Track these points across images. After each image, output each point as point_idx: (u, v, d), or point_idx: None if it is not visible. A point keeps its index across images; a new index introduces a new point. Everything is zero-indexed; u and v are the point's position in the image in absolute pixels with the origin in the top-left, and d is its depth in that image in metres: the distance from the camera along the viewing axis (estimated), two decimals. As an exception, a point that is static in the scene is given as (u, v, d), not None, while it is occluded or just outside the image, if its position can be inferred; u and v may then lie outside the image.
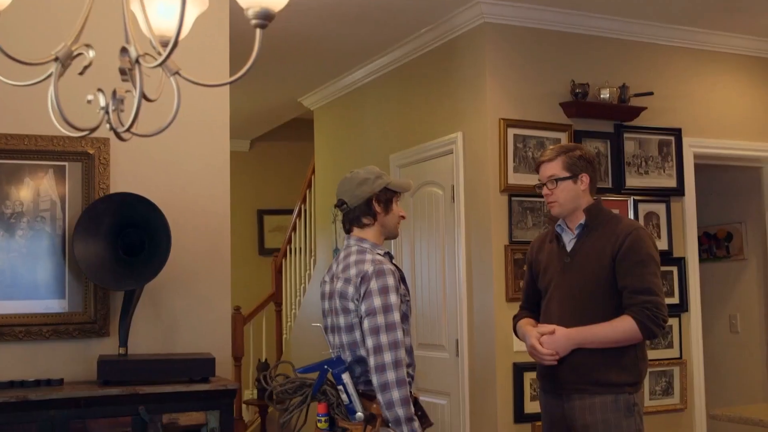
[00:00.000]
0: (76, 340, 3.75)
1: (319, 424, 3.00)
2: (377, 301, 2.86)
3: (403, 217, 3.16)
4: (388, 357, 2.82)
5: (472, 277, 4.73)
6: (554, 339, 3.17)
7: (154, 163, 3.95)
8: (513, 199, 4.60)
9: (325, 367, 2.96)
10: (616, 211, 4.74)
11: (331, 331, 3.07)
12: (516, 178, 4.60)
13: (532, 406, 4.42)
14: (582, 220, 3.30)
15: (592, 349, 3.16)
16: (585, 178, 3.29)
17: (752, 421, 3.39)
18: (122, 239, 3.67)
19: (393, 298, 2.88)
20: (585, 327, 3.15)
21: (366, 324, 2.87)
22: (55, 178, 3.76)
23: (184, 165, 4.01)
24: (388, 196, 3.07)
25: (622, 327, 3.11)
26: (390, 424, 2.83)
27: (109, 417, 3.36)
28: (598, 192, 4.71)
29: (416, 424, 2.83)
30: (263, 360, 7.50)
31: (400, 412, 2.80)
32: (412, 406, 2.84)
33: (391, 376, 2.81)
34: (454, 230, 4.88)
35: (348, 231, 3.12)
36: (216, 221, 4.06)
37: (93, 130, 1.93)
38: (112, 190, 3.81)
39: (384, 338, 2.84)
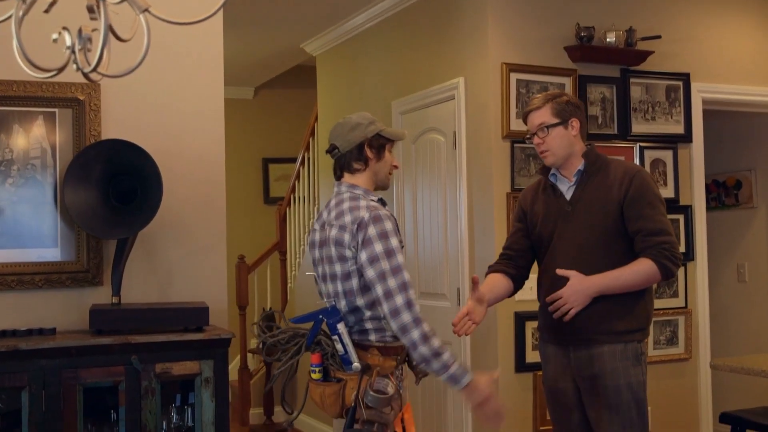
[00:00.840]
0: (69, 289, 3.70)
1: (313, 375, 2.96)
2: (379, 247, 2.78)
3: (395, 167, 3.08)
4: (399, 300, 2.75)
5: (473, 225, 4.66)
6: (576, 292, 3.09)
7: (147, 109, 3.87)
8: (515, 145, 4.50)
9: (320, 316, 2.91)
10: (621, 158, 4.68)
11: (323, 280, 3.01)
12: (518, 124, 4.47)
13: (533, 356, 4.37)
14: (580, 166, 3.23)
15: (602, 297, 3.12)
16: (575, 123, 3.22)
17: (754, 372, 3.33)
18: (114, 187, 3.60)
19: (394, 242, 2.81)
20: (605, 274, 3.10)
21: (371, 272, 2.78)
22: (45, 124, 3.68)
23: (177, 110, 3.92)
24: (380, 142, 2.98)
25: (643, 269, 3.08)
26: (418, 365, 2.82)
27: (102, 366, 3.33)
28: (603, 138, 4.68)
29: (446, 355, 2.74)
30: (268, 309, 7.49)
31: (424, 349, 2.73)
32: (435, 340, 2.75)
33: (406, 317, 2.74)
34: (455, 178, 4.79)
35: (339, 177, 3.05)
36: (211, 168, 3.98)
37: (60, 70, 1.85)
38: (104, 137, 3.73)
39: (392, 282, 2.76)
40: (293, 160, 7.82)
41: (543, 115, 3.22)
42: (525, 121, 3.33)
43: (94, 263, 3.73)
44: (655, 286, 4.74)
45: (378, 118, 5.49)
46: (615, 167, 3.23)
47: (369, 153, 2.97)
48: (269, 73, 8.11)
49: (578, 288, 3.09)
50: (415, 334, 2.72)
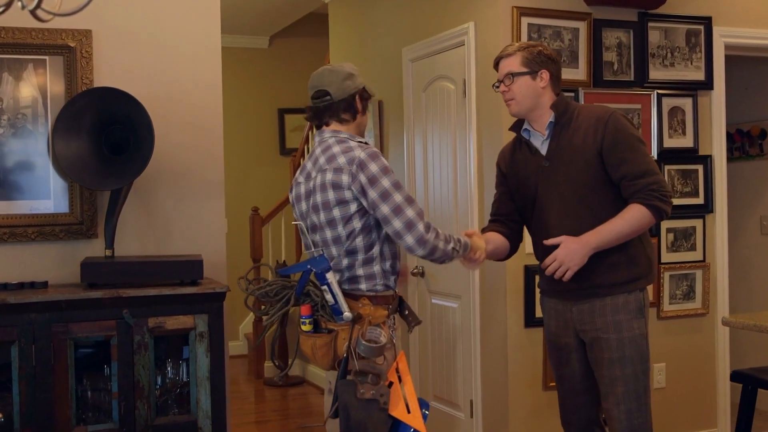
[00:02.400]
0: (63, 242, 3.63)
1: (303, 327, 2.90)
2: (386, 182, 2.77)
3: None
4: (420, 226, 2.77)
5: (483, 176, 4.51)
6: (571, 251, 2.98)
7: (141, 55, 3.75)
8: (526, 93, 4.33)
9: (309, 266, 2.82)
10: (638, 106, 4.50)
11: (312, 231, 2.93)
12: (530, 71, 4.31)
13: (543, 310, 4.25)
14: (550, 118, 3.12)
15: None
16: (545, 75, 3.13)
17: (766, 329, 3.18)
18: (106, 136, 3.51)
19: (395, 176, 2.83)
20: (597, 229, 3.00)
21: (386, 208, 2.76)
22: (35, 72, 3.58)
23: (172, 56, 3.80)
24: (366, 96, 2.97)
25: (635, 216, 2.98)
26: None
27: (93, 320, 3.26)
28: (619, 85, 4.50)
29: (455, 244, 2.89)
30: (282, 261, 7.42)
31: (447, 248, 2.85)
32: (448, 243, 2.86)
33: (422, 230, 2.79)
34: (465, 127, 4.64)
35: (320, 126, 2.97)
36: (208, 114, 3.87)
37: (6, 7, 1.74)
38: (96, 85, 3.63)
39: (410, 212, 2.76)
40: (308, 111, 7.67)
41: (511, 64, 3.15)
42: (496, 68, 3.24)
43: (88, 215, 3.65)
44: (671, 238, 4.63)
45: (389, 66, 5.37)
46: (587, 114, 3.12)
47: (359, 105, 2.95)
48: (284, 21, 7.95)
49: (573, 248, 2.99)
50: (439, 243, 2.81)
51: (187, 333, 3.38)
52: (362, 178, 2.75)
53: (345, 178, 2.78)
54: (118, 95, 3.41)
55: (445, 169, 4.90)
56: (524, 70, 3.11)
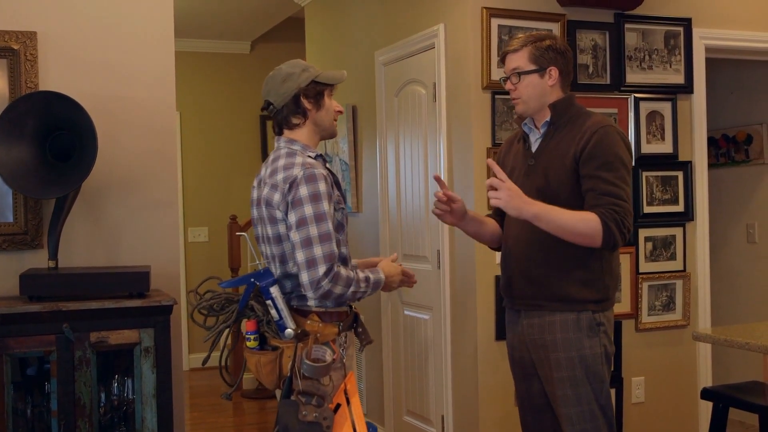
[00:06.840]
0: (6, 253, 3.47)
1: (248, 343, 2.76)
2: (308, 210, 2.57)
3: (339, 112, 2.82)
4: (318, 251, 2.56)
5: (453, 183, 4.35)
6: (514, 194, 2.71)
7: (89, 58, 3.59)
8: (496, 97, 4.17)
9: (252, 280, 2.67)
10: (614, 110, 4.35)
11: (262, 241, 2.78)
12: (500, 74, 4.14)
13: (515, 322, 4.09)
14: (548, 117, 2.94)
15: (549, 259, 2.86)
16: (554, 72, 2.92)
17: (736, 344, 3.00)
18: (52, 142, 3.35)
19: (325, 206, 2.59)
20: (546, 206, 2.75)
21: (296, 236, 2.57)
22: (-23, 76, 3.43)
23: (122, 57, 3.64)
24: (318, 89, 2.73)
25: (585, 220, 2.73)
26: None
27: (32, 335, 3.10)
28: (595, 89, 4.34)
29: (363, 284, 2.65)
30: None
31: (350, 294, 2.63)
32: (355, 285, 2.63)
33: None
34: (436, 132, 4.48)
35: (279, 133, 2.79)
36: (162, 118, 3.70)
37: None
38: (42, 89, 3.47)
39: (318, 249, 2.55)
40: (290, 117, 7.52)
41: (519, 59, 2.95)
42: (503, 62, 3.06)
43: (33, 225, 3.49)
44: (650, 246, 4.46)
45: (363, 70, 5.22)
46: (584, 120, 2.91)
47: (306, 104, 2.73)
48: (264, 26, 7.80)
49: (517, 195, 2.71)
50: (335, 289, 2.59)
51: (132, 348, 3.23)
52: (289, 198, 2.59)
53: (276, 197, 2.62)
54: (60, 99, 3.25)
55: (417, 174, 4.74)
56: (532, 67, 2.91)
